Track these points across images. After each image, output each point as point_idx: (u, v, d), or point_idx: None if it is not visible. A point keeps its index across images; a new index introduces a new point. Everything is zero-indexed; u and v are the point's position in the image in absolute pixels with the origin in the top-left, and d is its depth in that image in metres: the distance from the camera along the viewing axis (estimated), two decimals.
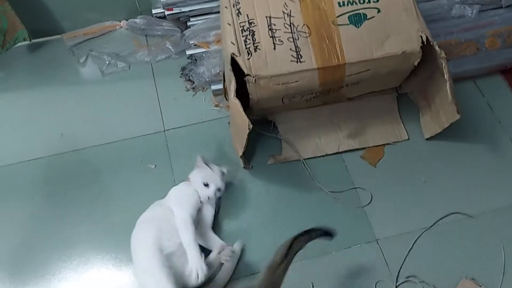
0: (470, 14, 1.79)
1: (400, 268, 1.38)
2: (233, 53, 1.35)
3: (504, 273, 1.36)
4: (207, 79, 1.74)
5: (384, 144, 1.63)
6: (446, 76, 1.38)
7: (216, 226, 1.43)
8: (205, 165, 1.41)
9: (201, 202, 1.39)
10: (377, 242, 1.43)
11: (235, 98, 1.34)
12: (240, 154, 1.49)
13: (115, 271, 1.39)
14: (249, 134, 1.34)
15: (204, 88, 1.76)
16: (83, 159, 1.59)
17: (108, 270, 1.38)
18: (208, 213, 1.41)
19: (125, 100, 1.73)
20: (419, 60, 1.43)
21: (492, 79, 1.77)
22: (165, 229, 1.28)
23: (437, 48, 1.38)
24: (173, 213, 1.32)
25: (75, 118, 1.69)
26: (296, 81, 1.40)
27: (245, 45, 1.37)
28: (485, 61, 1.75)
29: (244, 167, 1.55)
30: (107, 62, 1.82)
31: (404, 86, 1.70)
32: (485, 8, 1.81)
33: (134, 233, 1.32)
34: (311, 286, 1.35)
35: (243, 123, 1.33)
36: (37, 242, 1.43)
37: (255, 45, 1.37)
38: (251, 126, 1.32)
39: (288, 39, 1.38)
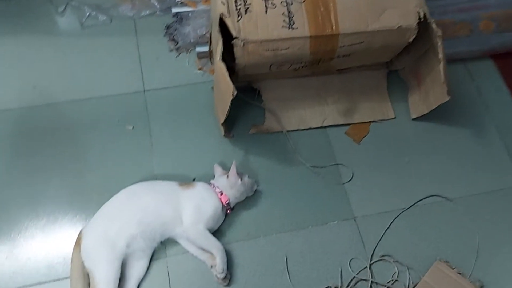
0: None
1: (376, 246, 1.37)
2: (222, 14, 1.27)
3: (477, 257, 1.37)
4: (192, 40, 1.66)
5: (370, 122, 1.60)
6: (440, 56, 1.34)
7: None
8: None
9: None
10: (355, 220, 1.42)
11: (221, 61, 1.27)
12: (222, 121, 1.44)
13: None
14: (232, 101, 1.28)
15: (188, 50, 1.68)
16: (57, 114, 1.51)
17: (76, 231, 1.33)
18: None
19: (105, 56, 1.64)
20: (414, 36, 1.38)
21: (483, 63, 1.74)
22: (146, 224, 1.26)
23: (434, 26, 1.34)
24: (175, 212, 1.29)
25: (50, 71, 1.60)
26: (287, 48, 1.34)
27: (236, 6, 1.29)
28: (477, 44, 1.71)
29: (224, 135, 1.50)
30: (87, 14, 1.71)
31: (395, 63, 1.66)
32: None
33: (110, 205, 1.29)
34: (285, 259, 1.33)
35: (227, 89, 1.27)
36: (4, 198, 1.37)
37: (246, 6, 1.29)
38: (235, 93, 1.26)
39: (281, 3, 1.31)
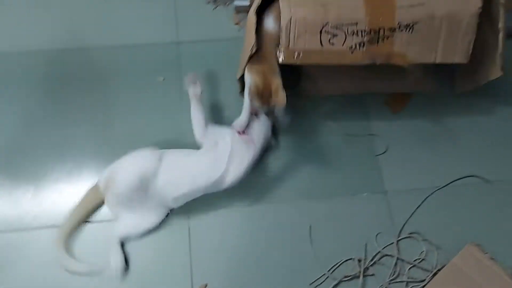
0: None
1: (405, 223, 1.31)
2: None
3: None
4: None
5: (411, 92, 1.51)
6: (500, 25, 1.23)
7: None
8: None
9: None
10: (385, 194, 1.36)
11: (254, 13, 1.20)
12: (238, 76, 1.35)
13: None
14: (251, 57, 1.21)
15: (226, 3, 1.61)
16: (89, 59, 1.48)
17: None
18: None
19: (141, 3, 1.59)
20: (480, 10, 1.23)
21: None
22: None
23: None
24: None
25: (85, 15, 1.56)
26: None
27: None
28: None
29: (240, 93, 1.38)
30: None
31: None
32: None
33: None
34: (309, 227, 1.29)
35: (249, 44, 1.20)
36: (32, 138, 1.37)
37: None
38: (254, 50, 1.19)
39: None
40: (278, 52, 1.24)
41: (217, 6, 1.61)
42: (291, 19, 1.22)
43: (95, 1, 1.58)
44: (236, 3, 1.57)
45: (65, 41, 1.50)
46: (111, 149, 1.34)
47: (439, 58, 1.31)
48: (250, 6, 1.45)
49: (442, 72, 1.52)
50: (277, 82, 1.20)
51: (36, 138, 1.37)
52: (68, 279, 1.20)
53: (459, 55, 1.32)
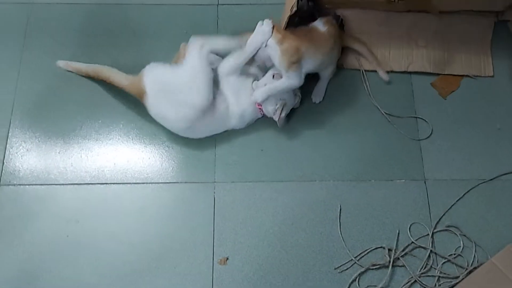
0: None
1: (443, 215, 1.23)
2: None
3: None
4: None
5: (462, 75, 1.41)
6: None
7: None
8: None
9: None
10: (425, 182, 1.27)
11: None
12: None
13: (135, 141, 1.30)
14: (291, 19, 1.16)
15: None
16: (125, 16, 1.44)
17: (129, 138, 1.30)
18: None
19: None
20: None
21: None
22: None
23: None
24: None
25: None
26: None
27: None
28: None
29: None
30: None
31: (507, 12, 1.41)
32: None
33: None
34: (339, 209, 1.23)
35: (289, 3, 1.14)
36: (63, 93, 1.34)
37: None
38: (294, 9, 1.14)
39: None
40: None
41: None
42: None
43: None
44: None
45: None
46: (140, 110, 1.30)
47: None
48: None
49: (499, 58, 1.40)
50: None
51: (67, 93, 1.34)
52: (89, 235, 1.19)
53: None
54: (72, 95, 1.34)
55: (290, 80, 1.19)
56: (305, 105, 1.35)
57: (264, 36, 1.17)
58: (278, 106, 1.24)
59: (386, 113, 1.34)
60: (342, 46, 1.33)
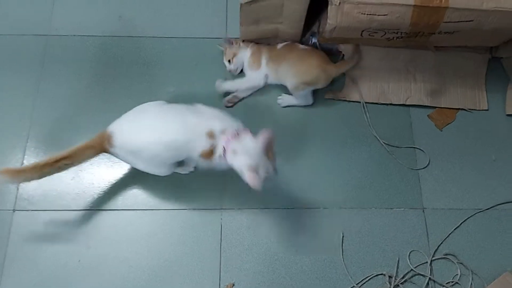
0: None
1: (441, 243, 1.28)
2: None
3: None
4: None
5: (458, 109, 1.47)
6: None
7: None
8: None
9: None
10: (423, 211, 1.32)
11: None
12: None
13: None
14: (245, 13, 1.29)
15: None
16: (137, 48, 1.51)
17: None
18: None
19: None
20: None
21: None
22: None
23: None
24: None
25: (137, 3, 1.58)
26: (385, 15, 1.22)
27: None
28: None
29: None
30: None
31: (501, 49, 1.49)
32: None
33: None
34: (341, 236, 1.28)
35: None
36: (77, 120, 1.40)
37: None
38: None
39: None
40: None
41: None
42: (335, 28, 1.28)
43: None
44: None
45: (116, 28, 1.53)
46: None
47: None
48: None
49: (493, 92, 1.47)
50: None
51: (81, 121, 1.40)
52: (100, 260, 1.23)
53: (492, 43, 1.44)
54: (85, 123, 1.39)
55: (251, 78, 1.43)
56: (310, 136, 1.40)
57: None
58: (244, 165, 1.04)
59: (385, 143, 1.40)
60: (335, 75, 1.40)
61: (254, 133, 1.08)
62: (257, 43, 1.46)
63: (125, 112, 1.21)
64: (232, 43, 1.45)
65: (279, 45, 1.43)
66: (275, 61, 1.40)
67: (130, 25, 1.54)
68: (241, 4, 1.28)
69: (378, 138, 1.40)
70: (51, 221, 1.28)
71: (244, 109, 1.43)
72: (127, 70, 1.47)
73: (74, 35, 1.52)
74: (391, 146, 1.40)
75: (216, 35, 1.53)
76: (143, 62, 1.49)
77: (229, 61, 1.44)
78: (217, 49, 1.50)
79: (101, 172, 1.34)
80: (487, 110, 1.47)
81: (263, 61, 1.41)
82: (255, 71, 1.42)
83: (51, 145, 1.37)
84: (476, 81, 1.50)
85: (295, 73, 1.36)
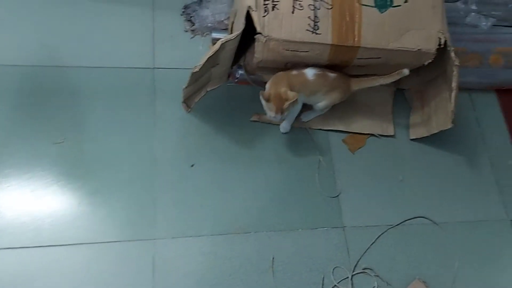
0: (484, 26, 1.77)
1: (360, 258, 1.40)
2: (250, 7, 1.26)
3: (454, 282, 1.42)
4: (209, 25, 1.64)
5: (368, 134, 1.62)
6: (453, 85, 1.37)
7: None
8: None
9: None
10: (343, 229, 1.44)
11: (220, 42, 1.28)
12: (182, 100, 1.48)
13: (71, 199, 1.33)
14: (194, 76, 1.35)
15: (204, 33, 1.66)
16: (63, 78, 1.48)
17: (75, 200, 1.32)
18: None
19: (119, 26, 1.61)
20: (430, 61, 1.40)
21: (486, 95, 1.78)
22: None
23: (452, 54, 1.36)
24: None
25: (62, 32, 1.55)
26: (306, 52, 1.34)
27: (264, 1, 1.29)
28: (485, 77, 1.75)
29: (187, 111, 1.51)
30: None
31: (403, 81, 1.67)
32: (500, 23, 1.79)
33: None
34: (272, 258, 1.35)
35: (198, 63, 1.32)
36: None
37: (273, 3, 1.29)
38: (196, 70, 1.32)
39: (309, 6, 1.31)
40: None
41: (194, 36, 1.65)
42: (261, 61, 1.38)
43: (73, 18, 1.59)
44: (214, 35, 1.62)
45: (40, 57, 1.49)
46: (84, 168, 1.34)
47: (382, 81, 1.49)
48: None
49: (398, 119, 1.65)
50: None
51: (0, 153, 1.34)
52: None
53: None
54: (4, 155, 1.33)
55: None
56: (240, 162, 1.47)
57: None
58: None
59: (307, 167, 1.51)
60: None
61: None
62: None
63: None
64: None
65: (309, 74, 1.42)
66: (311, 91, 1.44)
67: (54, 54, 1.50)
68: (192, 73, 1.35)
69: (297, 161, 1.51)
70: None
71: None
72: (52, 101, 1.44)
73: None
74: (314, 169, 1.51)
75: (143, 65, 1.55)
76: (68, 92, 1.46)
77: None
78: (145, 80, 1.52)
79: (24, 208, 1.29)
80: (393, 135, 1.64)
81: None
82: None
83: None
84: (384, 110, 1.67)
85: (329, 98, 1.47)
